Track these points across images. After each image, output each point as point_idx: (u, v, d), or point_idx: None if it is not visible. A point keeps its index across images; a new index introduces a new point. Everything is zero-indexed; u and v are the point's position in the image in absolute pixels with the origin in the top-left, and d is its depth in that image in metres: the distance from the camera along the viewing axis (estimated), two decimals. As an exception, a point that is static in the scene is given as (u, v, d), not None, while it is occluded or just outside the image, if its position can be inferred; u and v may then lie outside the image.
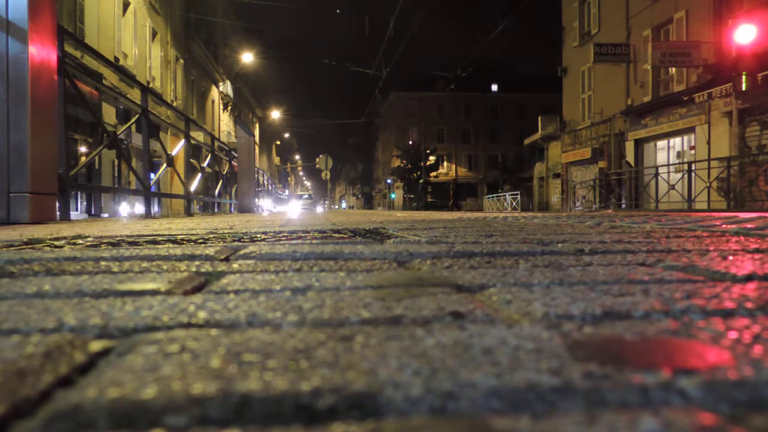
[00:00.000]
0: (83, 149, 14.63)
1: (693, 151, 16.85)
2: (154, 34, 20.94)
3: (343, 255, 1.56)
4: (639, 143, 19.88)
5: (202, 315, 0.77)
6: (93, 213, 14.55)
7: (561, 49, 25.54)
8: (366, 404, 0.43)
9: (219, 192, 12.15)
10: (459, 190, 50.71)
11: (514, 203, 28.72)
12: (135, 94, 7.37)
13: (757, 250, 1.59)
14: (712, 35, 15.99)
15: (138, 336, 0.65)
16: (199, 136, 10.39)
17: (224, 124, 32.91)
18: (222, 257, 1.53)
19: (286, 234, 2.50)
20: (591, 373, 0.49)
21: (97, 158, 5.98)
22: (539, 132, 27.65)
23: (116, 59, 16.19)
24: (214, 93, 31.39)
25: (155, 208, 7.85)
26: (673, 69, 17.63)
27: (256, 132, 39.82)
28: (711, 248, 1.67)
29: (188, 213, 8.89)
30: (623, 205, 17.25)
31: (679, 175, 14.88)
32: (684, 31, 17.33)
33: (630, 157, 19.82)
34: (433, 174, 48.40)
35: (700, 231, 2.51)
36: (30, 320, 0.74)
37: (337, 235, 2.42)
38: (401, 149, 48.97)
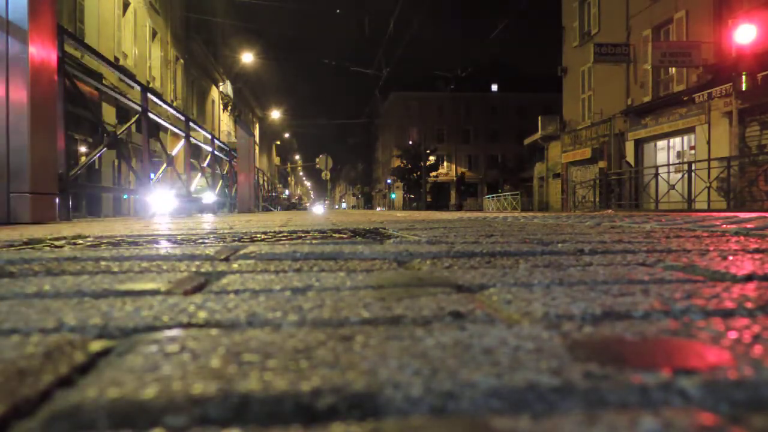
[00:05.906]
0: (83, 149, 14.64)
1: (693, 151, 16.85)
2: (154, 34, 20.94)
3: (343, 255, 1.56)
4: (639, 143, 19.88)
5: (202, 315, 0.77)
6: (93, 213, 14.55)
7: (561, 49, 25.54)
8: (366, 404, 0.43)
9: (219, 192, 12.15)
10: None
11: (514, 203, 28.72)
12: (135, 94, 7.35)
13: (757, 250, 1.59)
14: (712, 35, 15.99)
15: (138, 336, 0.65)
16: (199, 136, 10.38)
17: (224, 124, 32.91)
18: (222, 257, 1.53)
19: (286, 234, 2.50)
20: (591, 373, 0.49)
21: (97, 158, 5.98)
22: (539, 132, 27.65)
23: (116, 59, 16.20)
24: (214, 93, 31.38)
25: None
26: (673, 69, 17.64)
27: (256, 132, 39.79)
28: (711, 248, 1.67)
29: (188, 213, 8.89)
30: (623, 205, 17.24)
31: (679, 175, 14.88)
32: (684, 31, 17.33)
33: (630, 157, 19.82)
34: (433, 174, 48.38)
35: (700, 231, 2.51)
36: (30, 320, 0.74)
37: (337, 235, 2.42)
38: (401, 149, 48.96)
